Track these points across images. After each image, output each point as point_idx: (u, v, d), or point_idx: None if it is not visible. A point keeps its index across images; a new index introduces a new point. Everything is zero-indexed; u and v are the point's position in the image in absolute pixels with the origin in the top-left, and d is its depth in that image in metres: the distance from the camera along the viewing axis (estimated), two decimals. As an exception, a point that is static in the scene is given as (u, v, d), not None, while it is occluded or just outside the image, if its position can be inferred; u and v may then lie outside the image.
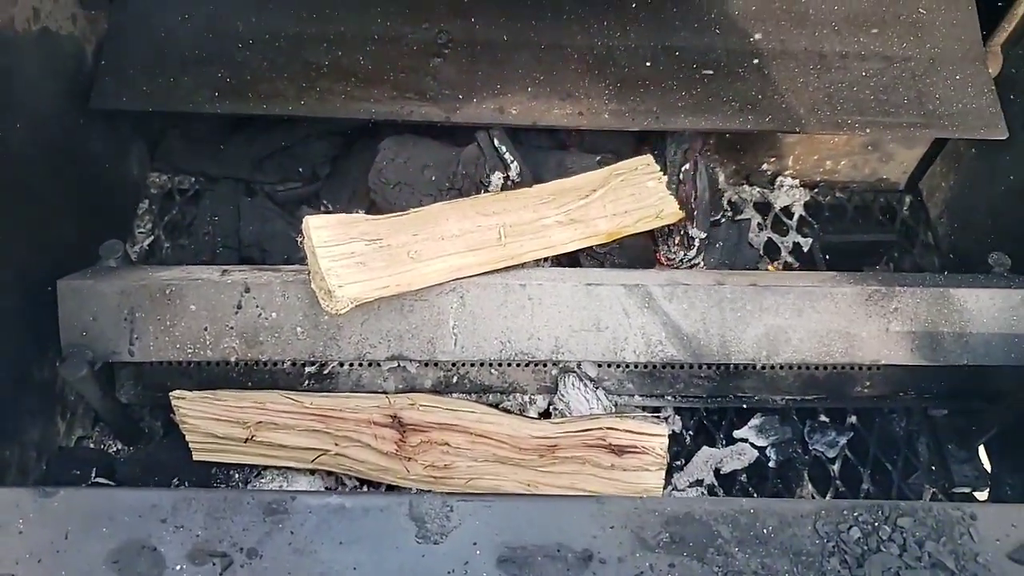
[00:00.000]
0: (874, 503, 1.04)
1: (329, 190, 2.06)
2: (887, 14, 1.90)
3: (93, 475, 1.65)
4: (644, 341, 1.57)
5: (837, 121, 1.81)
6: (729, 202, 2.18)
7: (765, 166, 2.18)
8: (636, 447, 1.48)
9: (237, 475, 1.64)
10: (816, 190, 2.21)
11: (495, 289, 1.56)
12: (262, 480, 1.62)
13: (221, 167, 2.07)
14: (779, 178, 2.20)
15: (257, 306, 1.53)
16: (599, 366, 1.64)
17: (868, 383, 1.70)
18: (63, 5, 1.72)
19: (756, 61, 1.86)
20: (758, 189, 2.20)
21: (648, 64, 1.85)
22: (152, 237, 2.04)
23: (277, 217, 1.98)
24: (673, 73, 1.85)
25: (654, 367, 1.64)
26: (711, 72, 1.84)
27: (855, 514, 1.03)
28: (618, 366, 1.64)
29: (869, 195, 2.22)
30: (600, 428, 1.49)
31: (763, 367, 1.63)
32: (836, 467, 1.78)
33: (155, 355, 1.53)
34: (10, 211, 1.54)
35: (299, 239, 1.50)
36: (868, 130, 1.81)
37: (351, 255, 1.46)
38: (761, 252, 2.08)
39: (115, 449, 1.73)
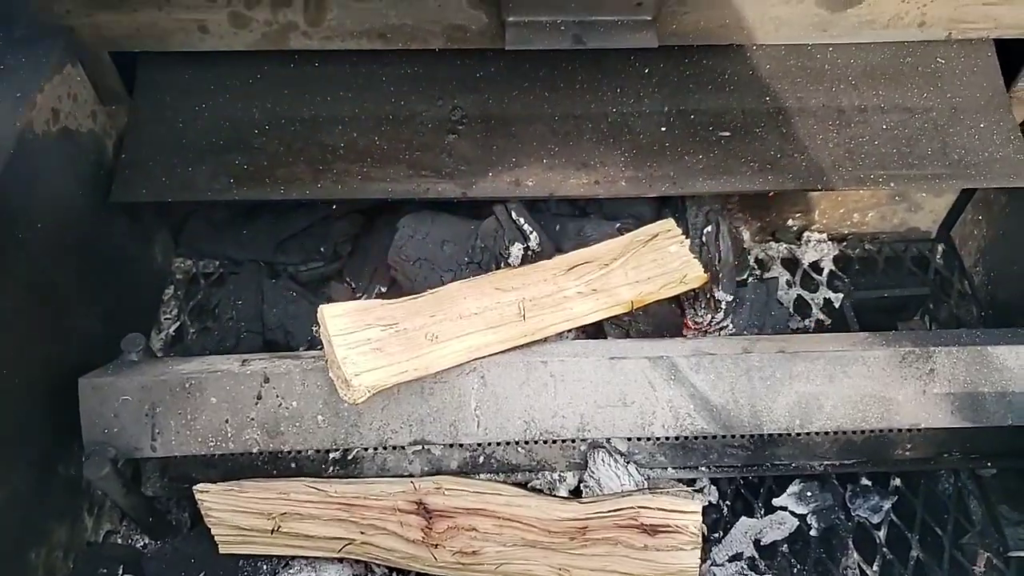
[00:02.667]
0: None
1: (351, 268, 2.07)
2: (904, 66, 1.87)
3: (120, 572, 1.64)
4: (672, 415, 1.52)
5: (860, 176, 1.77)
6: (756, 260, 2.15)
7: (791, 222, 2.15)
8: (669, 526, 1.43)
9: (265, 567, 1.62)
10: (845, 243, 2.17)
11: (516, 367, 1.53)
12: (290, 571, 1.60)
13: (244, 250, 2.09)
14: (806, 233, 2.17)
15: (277, 396, 1.52)
16: (629, 440, 1.60)
17: (909, 445, 1.64)
18: (82, 104, 1.75)
19: (773, 120, 1.84)
20: (785, 245, 2.17)
21: (663, 129, 1.84)
22: (178, 323, 2.05)
23: (301, 298, 1.99)
24: (689, 137, 1.83)
25: (686, 439, 1.59)
26: (728, 134, 1.82)
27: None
28: (648, 440, 1.59)
29: (900, 246, 2.18)
30: (632, 507, 1.45)
31: (798, 434, 1.58)
32: (882, 533, 1.70)
33: (177, 450, 1.52)
34: (34, 310, 1.55)
35: (315, 329, 1.49)
36: (892, 184, 1.77)
37: (367, 341, 1.45)
38: (791, 310, 2.04)
39: (142, 543, 1.71)
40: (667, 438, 1.57)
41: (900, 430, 1.58)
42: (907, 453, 1.64)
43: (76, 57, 1.73)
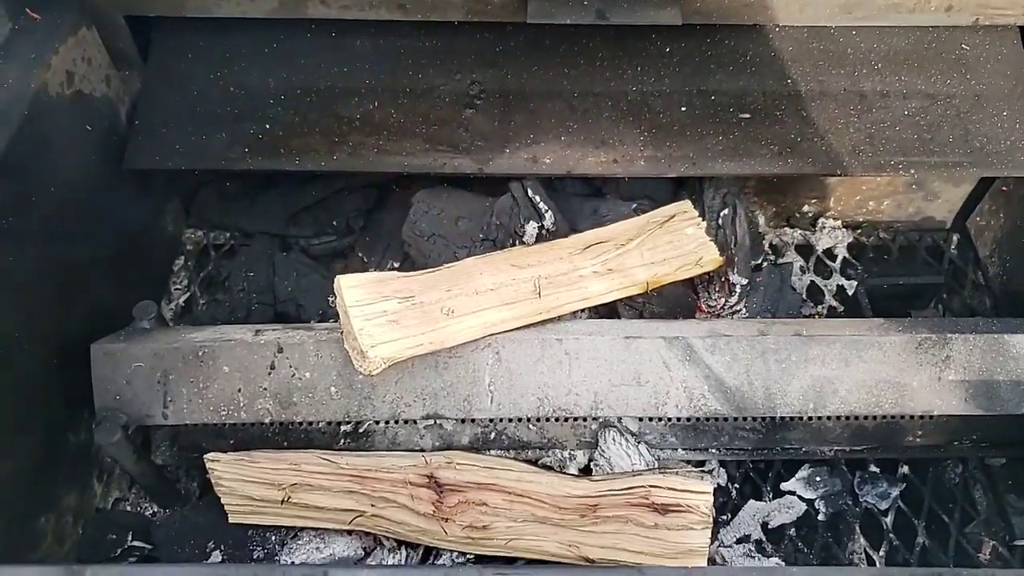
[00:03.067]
0: (933, 571, 0.98)
1: (363, 242, 2.06)
2: (928, 51, 1.85)
3: (129, 539, 1.64)
4: (686, 395, 1.52)
5: (880, 162, 1.76)
6: (770, 245, 2.13)
7: (806, 208, 2.14)
8: (680, 505, 1.43)
9: (274, 537, 1.62)
10: (859, 231, 2.16)
11: (531, 344, 1.53)
12: (299, 542, 1.59)
13: (256, 222, 2.07)
14: (821, 219, 2.15)
15: (290, 366, 1.51)
16: (640, 420, 1.60)
17: (920, 432, 1.64)
18: (96, 67, 1.74)
19: (794, 103, 1.83)
20: (799, 231, 2.15)
21: (683, 109, 1.82)
22: (188, 293, 2.04)
23: (312, 271, 1.98)
24: (709, 118, 1.81)
25: (697, 420, 1.59)
26: (748, 116, 1.81)
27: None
28: (660, 420, 1.59)
29: (914, 235, 2.16)
30: (643, 486, 1.45)
31: (810, 418, 1.57)
32: (889, 520, 1.70)
33: (189, 418, 1.52)
34: (46, 275, 1.55)
35: (332, 299, 1.49)
36: (912, 171, 1.76)
37: (384, 313, 1.44)
38: (804, 296, 2.03)
39: (151, 511, 1.71)
40: (680, 419, 1.56)
41: (912, 417, 1.58)
42: (918, 440, 1.64)
43: (91, 20, 1.71)
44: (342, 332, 1.47)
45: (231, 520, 1.59)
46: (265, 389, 1.51)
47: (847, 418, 1.60)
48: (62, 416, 1.60)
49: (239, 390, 1.51)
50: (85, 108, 1.69)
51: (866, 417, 1.60)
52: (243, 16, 1.81)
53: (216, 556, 1.60)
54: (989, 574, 1.02)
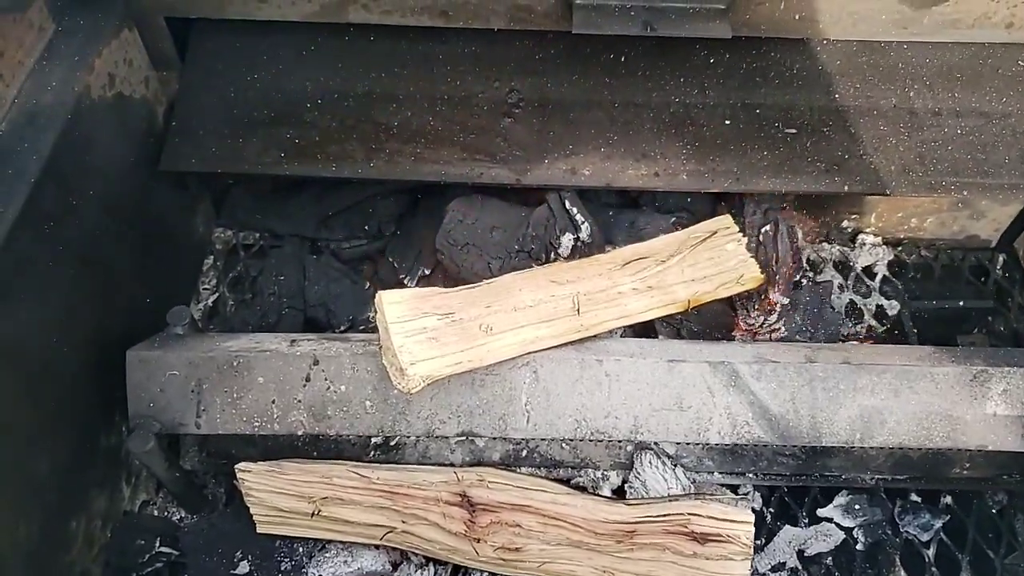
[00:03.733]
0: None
1: (395, 248, 2.03)
2: (984, 68, 1.80)
3: (157, 545, 1.63)
4: (730, 422, 1.48)
5: (931, 183, 1.71)
6: (808, 260, 2.09)
7: (846, 223, 2.09)
8: (720, 535, 1.41)
9: (301, 548, 1.61)
10: (900, 248, 2.11)
11: (570, 364, 1.50)
12: (326, 554, 1.59)
13: (287, 224, 2.05)
14: (860, 236, 2.10)
15: (326, 379, 1.49)
16: (677, 443, 1.56)
17: (968, 464, 1.59)
18: (137, 69, 1.72)
19: (842, 119, 1.78)
20: (838, 247, 2.11)
21: (727, 122, 1.78)
22: (217, 294, 2.02)
23: (343, 276, 1.96)
24: (754, 132, 1.78)
25: (736, 444, 1.55)
26: (794, 131, 1.77)
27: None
28: (699, 445, 1.55)
29: (958, 253, 2.11)
30: (682, 514, 1.42)
31: (853, 447, 1.54)
32: (931, 552, 1.66)
33: (222, 428, 1.50)
34: (83, 277, 1.53)
35: (372, 315, 1.46)
36: (965, 192, 1.71)
37: (424, 330, 1.41)
38: (843, 315, 1.98)
39: (178, 516, 1.70)
40: (720, 444, 1.53)
41: (961, 449, 1.54)
42: (964, 472, 1.60)
43: (133, 22, 1.70)
44: (380, 346, 1.45)
45: (259, 530, 1.58)
46: (299, 401, 1.49)
47: (892, 448, 1.56)
48: (95, 419, 1.59)
49: (273, 401, 1.49)
50: (125, 110, 1.68)
51: (912, 448, 1.55)
52: (283, 19, 1.78)
53: (244, 566, 1.59)
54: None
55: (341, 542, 1.58)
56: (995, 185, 1.71)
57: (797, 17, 1.73)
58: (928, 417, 1.46)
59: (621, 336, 1.71)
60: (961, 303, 1.90)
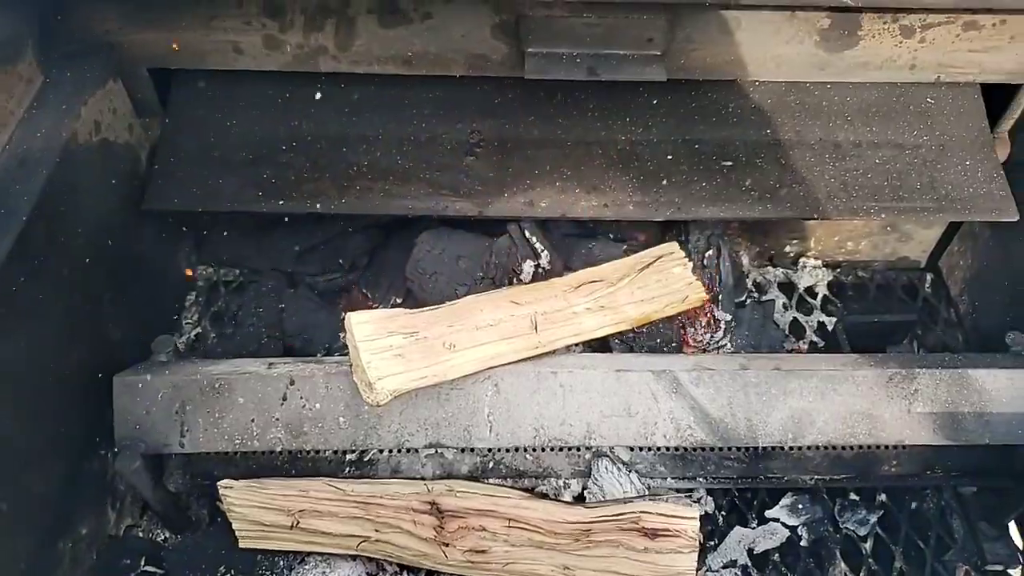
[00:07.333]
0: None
1: (368, 280, 2.16)
2: (897, 104, 1.98)
3: (142, 564, 1.71)
4: (674, 426, 1.61)
5: (853, 207, 1.88)
6: (754, 283, 2.24)
7: (788, 248, 2.25)
8: (669, 530, 1.51)
9: (282, 562, 1.69)
10: (839, 270, 2.28)
11: (528, 377, 1.63)
12: (305, 567, 1.66)
13: (265, 260, 2.17)
14: (802, 259, 2.27)
15: (301, 397, 1.60)
16: (631, 450, 1.69)
17: (895, 462, 1.73)
18: (121, 116, 1.84)
19: (773, 152, 1.95)
20: (782, 270, 2.27)
21: (670, 157, 1.94)
22: (199, 328, 2.13)
23: (319, 308, 2.07)
24: (694, 165, 1.93)
25: (685, 450, 1.68)
26: (730, 163, 1.93)
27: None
28: (649, 450, 1.68)
29: (891, 274, 2.28)
30: (633, 512, 1.53)
31: (791, 448, 1.67)
32: (868, 545, 1.79)
33: (204, 447, 1.60)
34: (72, 312, 1.63)
35: (342, 335, 1.58)
36: (883, 215, 1.88)
37: (390, 348, 1.53)
38: (787, 332, 2.14)
39: (163, 537, 1.79)
40: (668, 448, 1.66)
41: (886, 447, 1.68)
42: (893, 470, 1.74)
43: (117, 73, 1.83)
44: (351, 365, 1.56)
45: (241, 545, 1.66)
46: (277, 419, 1.60)
47: (826, 448, 1.70)
48: (81, 445, 1.67)
49: (252, 420, 1.60)
50: (109, 154, 1.80)
51: (844, 447, 1.69)
52: (258, 69, 1.92)
53: (227, 580, 1.67)
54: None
55: (320, 554, 1.66)
56: (909, 208, 1.87)
57: (727, 61, 1.90)
58: (851, 416, 1.61)
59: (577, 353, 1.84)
60: (889, 318, 2.05)
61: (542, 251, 1.92)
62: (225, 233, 2.20)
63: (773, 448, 1.67)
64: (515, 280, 1.91)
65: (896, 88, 1.98)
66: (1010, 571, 1.77)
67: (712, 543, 1.79)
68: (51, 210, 1.56)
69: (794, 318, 2.18)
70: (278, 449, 1.62)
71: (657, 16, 1.77)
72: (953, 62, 1.91)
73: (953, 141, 1.95)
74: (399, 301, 2.08)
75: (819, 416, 1.61)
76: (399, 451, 1.67)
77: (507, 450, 1.68)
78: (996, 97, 1.98)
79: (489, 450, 1.68)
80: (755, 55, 1.90)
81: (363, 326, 1.54)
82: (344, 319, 1.57)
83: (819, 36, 1.85)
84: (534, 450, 1.68)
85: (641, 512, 1.52)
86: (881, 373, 1.61)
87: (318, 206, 1.88)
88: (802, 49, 1.88)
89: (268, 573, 1.69)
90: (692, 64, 1.90)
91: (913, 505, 1.86)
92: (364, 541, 1.61)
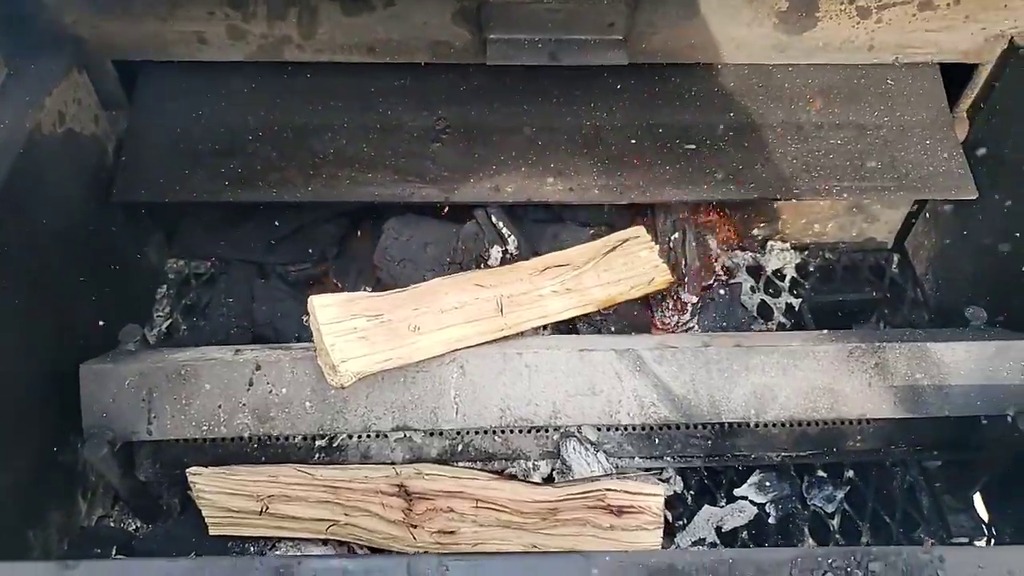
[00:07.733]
0: (847, 549, 1.09)
1: (338, 269, 2.16)
2: (858, 86, 2.01)
3: (113, 553, 1.71)
4: (637, 404, 1.63)
5: (816, 187, 1.90)
6: (723, 267, 2.26)
7: (756, 231, 2.27)
8: (634, 507, 1.53)
9: (252, 548, 1.69)
10: (806, 252, 2.29)
11: (493, 358, 1.64)
12: (276, 551, 1.67)
13: (235, 251, 2.18)
14: (770, 242, 2.29)
15: (268, 383, 1.61)
16: (599, 430, 1.70)
17: (860, 437, 1.74)
18: (86, 108, 1.85)
19: (736, 134, 1.97)
20: (750, 253, 2.29)
21: (633, 142, 1.96)
22: (170, 320, 2.14)
23: (289, 297, 2.08)
24: (658, 149, 1.95)
25: (651, 429, 1.69)
26: (693, 146, 1.95)
27: (829, 560, 1.08)
28: (616, 429, 1.70)
29: (858, 255, 2.30)
30: (599, 490, 1.55)
31: (756, 425, 1.69)
32: (835, 521, 1.81)
33: (172, 433, 1.61)
34: (38, 303, 1.64)
35: (306, 318, 1.59)
36: (845, 195, 1.90)
37: (354, 331, 1.54)
38: (755, 314, 2.16)
39: (134, 527, 1.79)
40: (633, 426, 1.67)
41: (850, 422, 1.70)
42: (858, 445, 1.75)
43: (82, 64, 1.83)
44: (316, 349, 1.57)
45: (212, 532, 1.66)
46: (244, 405, 1.61)
47: (791, 424, 1.71)
48: (50, 435, 1.67)
49: (219, 406, 1.61)
50: (75, 146, 1.80)
51: (808, 423, 1.71)
52: (224, 59, 1.93)
53: (197, 567, 1.67)
54: (896, 551, 1.12)
55: (290, 539, 1.68)
56: (870, 187, 1.90)
57: (688, 44, 1.92)
58: (813, 391, 1.63)
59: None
60: (853, 296, 2.08)
61: (509, 236, 1.93)
62: (195, 225, 2.21)
63: (738, 425, 1.68)
64: (483, 265, 1.92)
65: (857, 69, 2.01)
66: (975, 543, 1.80)
67: (681, 522, 1.80)
68: (15, 199, 1.57)
69: (762, 300, 2.20)
70: (246, 435, 1.63)
71: (618, 0, 1.79)
72: (910, 42, 1.93)
73: (913, 121, 1.98)
74: (369, 289, 2.09)
75: (781, 391, 1.63)
76: (368, 436, 1.68)
77: (476, 432, 1.69)
78: (955, 77, 2.01)
79: (458, 433, 1.69)
80: (715, 38, 1.91)
81: (326, 309, 1.55)
82: (308, 303, 1.57)
83: (777, 18, 1.87)
84: (502, 432, 1.69)
85: (606, 490, 1.54)
86: (842, 348, 1.64)
87: (285, 195, 1.90)
88: (762, 31, 1.90)
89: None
90: (654, 48, 1.92)
91: (879, 481, 1.88)
92: (333, 525, 1.62)
